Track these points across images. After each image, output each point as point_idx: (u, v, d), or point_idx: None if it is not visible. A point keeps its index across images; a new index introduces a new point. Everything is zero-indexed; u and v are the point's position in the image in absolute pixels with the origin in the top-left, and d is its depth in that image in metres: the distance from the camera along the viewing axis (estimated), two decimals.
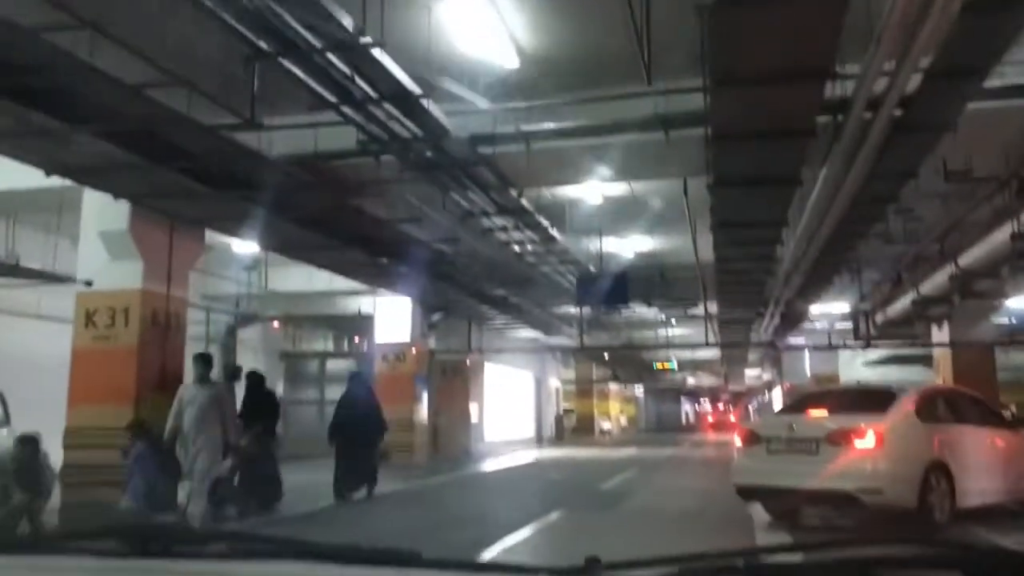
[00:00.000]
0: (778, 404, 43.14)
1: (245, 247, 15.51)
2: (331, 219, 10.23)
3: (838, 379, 30.21)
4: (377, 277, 14.44)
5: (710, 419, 65.57)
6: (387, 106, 7.20)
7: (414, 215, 10.30)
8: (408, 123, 7.64)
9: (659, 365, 30.54)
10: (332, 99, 6.86)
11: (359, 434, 11.39)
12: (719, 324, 21.55)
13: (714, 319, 21.18)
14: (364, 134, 7.84)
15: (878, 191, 9.31)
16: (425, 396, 18.10)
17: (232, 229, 10.44)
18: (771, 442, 7.86)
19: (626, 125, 8.25)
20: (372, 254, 11.57)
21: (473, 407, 21.34)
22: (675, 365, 31.62)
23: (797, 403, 9.35)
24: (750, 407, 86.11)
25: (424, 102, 7.21)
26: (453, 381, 21.09)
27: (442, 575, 1.23)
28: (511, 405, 25.41)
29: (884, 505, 6.94)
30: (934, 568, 1.11)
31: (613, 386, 44.22)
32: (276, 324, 18.50)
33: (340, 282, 16.38)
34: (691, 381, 43.86)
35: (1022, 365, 24.55)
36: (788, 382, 35.90)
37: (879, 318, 19.13)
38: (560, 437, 29.68)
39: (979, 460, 7.83)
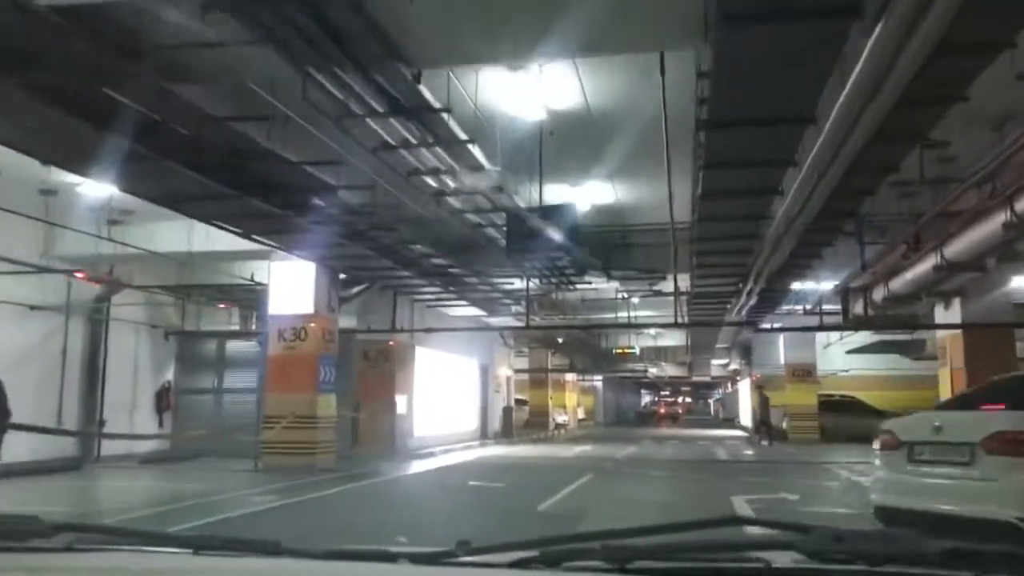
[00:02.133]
0: (745, 396, 40.48)
1: (98, 189, 12.04)
2: (139, 118, 6.84)
3: (814, 368, 27.45)
4: (248, 222, 11.01)
5: (663, 411, 62.95)
6: None
7: (259, 112, 6.94)
8: None
9: (619, 350, 27.27)
10: None
11: None
12: (689, 302, 18.46)
13: (684, 298, 18.09)
14: None
15: (933, 84, 6.19)
16: (335, 383, 14.76)
17: None
18: (914, 448, 5.73)
19: None
20: (217, 179, 8.18)
21: (401, 398, 17.99)
22: (637, 350, 28.41)
23: (963, 397, 7.30)
24: (711, 400, 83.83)
25: None
26: (378, 367, 17.74)
27: (299, 563, 1.18)
28: (451, 396, 22.06)
29: None
30: (781, 550, 1.11)
31: (570, 376, 41.16)
32: (83, 276, 14.29)
33: (225, 241, 12.95)
34: (653, 371, 40.86)
35: None
36: (757, 372, 33.14)
37: (878, 295, 16.19)
38: (508, 432, 26.44)
39: None
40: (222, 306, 18.20)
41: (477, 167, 8.75)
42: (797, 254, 14.17)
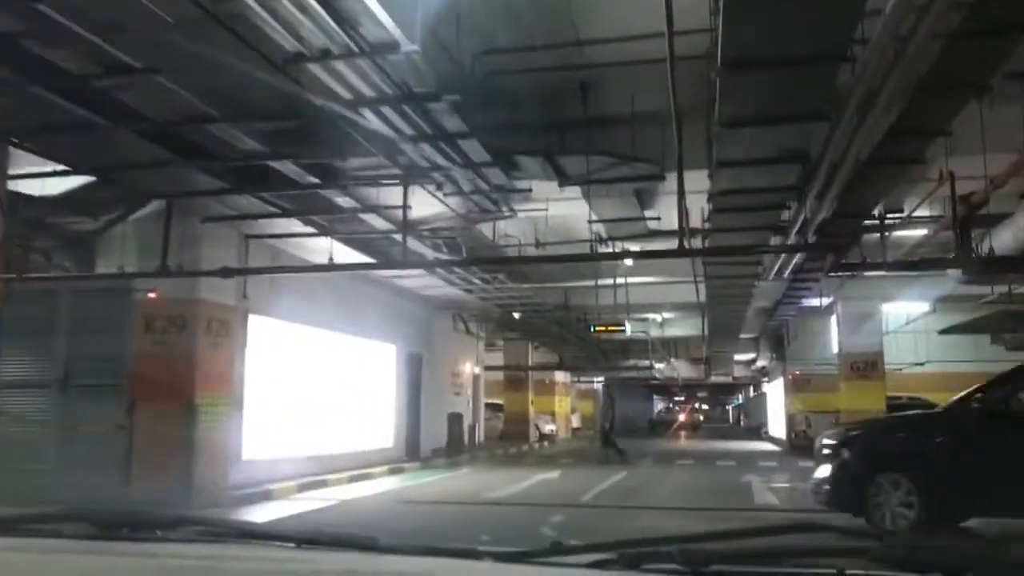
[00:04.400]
0: (776, 400, 32.73)
1: None
2: None
3: (881, 359, 19.65)
4: None
5: (685, 419, 55.41)
6: None
7: None
8: None
9: (599, 328, 19.29)
10: None
11: None
12: (707, 235, 10.81)
13: (697, 238, 10.48)
14: None
15: None
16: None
17: None
18: None
19: None
20: None
21: (212, 397, 10.56)
22: (628, 330, 20.55)
23: None
24: (728, 407, 75.31)
25: None
26: (169, 345, 10.31)
27: (395, 559, 1.25)
28: (338, 397, 14.50)
29: None
30: (855, 557, 1.13)
31: (560, 376, 33.62)
32: None
33: None
34: (660, 367, 33.14)
35: None
36: (794, 370, 25.47)
37: None
38: (457, 449, 18.95)
39: None
40: None
41: None
42: (912, 117, 6.73)
